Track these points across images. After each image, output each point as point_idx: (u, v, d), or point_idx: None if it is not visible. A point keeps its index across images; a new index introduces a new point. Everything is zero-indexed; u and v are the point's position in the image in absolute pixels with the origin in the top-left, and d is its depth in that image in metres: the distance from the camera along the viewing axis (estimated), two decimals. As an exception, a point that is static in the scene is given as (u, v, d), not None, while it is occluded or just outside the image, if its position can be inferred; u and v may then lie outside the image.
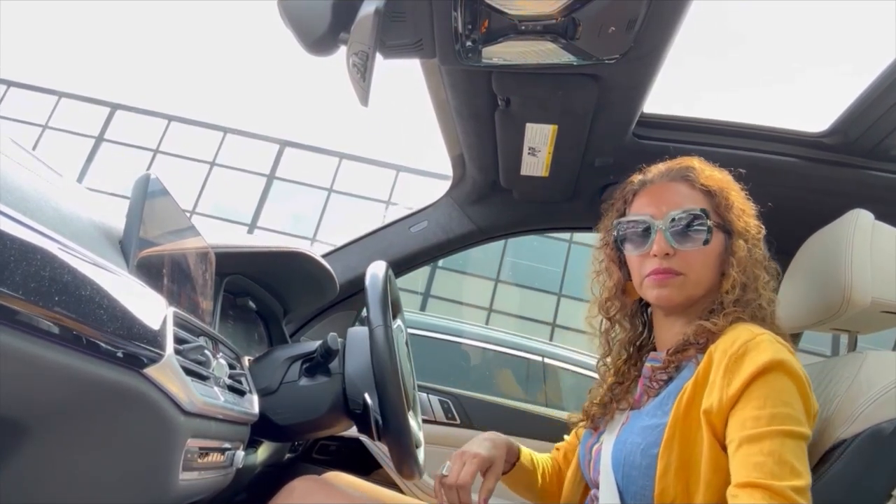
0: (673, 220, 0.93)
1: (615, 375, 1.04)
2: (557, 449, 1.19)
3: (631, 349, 1.05)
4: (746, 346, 0.82)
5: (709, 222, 0.93)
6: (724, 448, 0.80)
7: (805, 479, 0.73)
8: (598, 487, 0.93)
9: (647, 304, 1.05)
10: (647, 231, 0.95)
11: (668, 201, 0.96)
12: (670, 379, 0.91)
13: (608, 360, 1.06)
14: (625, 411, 0.97)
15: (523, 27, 0.92)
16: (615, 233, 1.00)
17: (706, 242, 0.93)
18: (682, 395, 0.84)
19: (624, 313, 1.05)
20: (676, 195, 0.96)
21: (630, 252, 0.98)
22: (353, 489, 1.09)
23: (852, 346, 1.15)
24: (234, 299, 1.32)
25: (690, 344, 0.90)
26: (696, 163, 1.01)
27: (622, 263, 1.03)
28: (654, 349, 1.02)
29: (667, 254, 0.92)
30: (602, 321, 1.06)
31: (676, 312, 0.97)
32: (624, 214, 1.01)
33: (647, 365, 0.99)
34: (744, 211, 0.97)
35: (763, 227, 0.98)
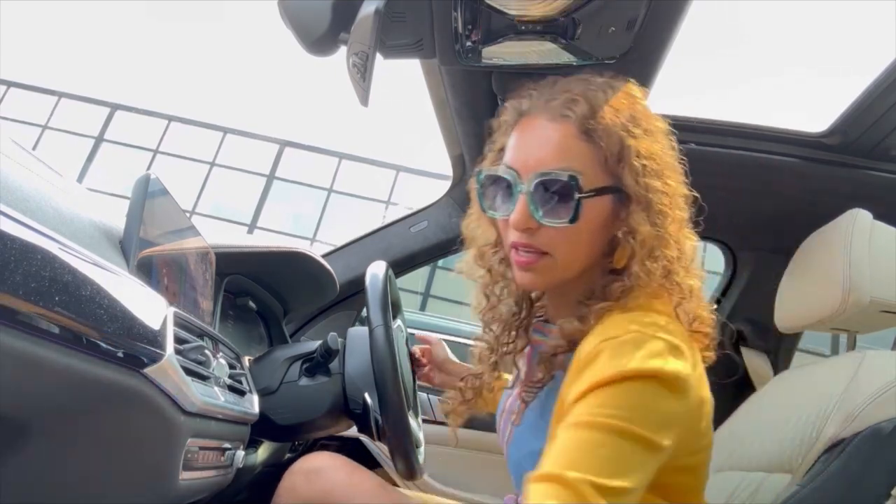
0: (538, 182, 0.71)
1: (501, 334, 0.87)
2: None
3: (520, 317, 0.87)
4: (599, 349, 0.65)
5: (578, 194, 0.70)
6: None
7: (621, 482, 0.56)
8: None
9: None
10: (509, 192, 0.74)
11: (540, 151, 0.73)
12: (543, 386, 0.77)
13: (493, 313, 0.88)
14: (511, 414, 0.82)
15: (523, 27, 0.92)
16: (477, 184, 0.79)
17: (573, 219, 0.71)
18: (554, 410, 0.70)
19: (507, 264, 0.82)
20: (552, 142, 0.72)
21: (493, 214, 0.78)
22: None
23: (851, 346, 1.15)
24: (234, 299, 1.32)
25: (557, 350, 0.75)
26: (588, 89, 0.75)
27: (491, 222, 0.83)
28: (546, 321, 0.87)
29: (529, 227, 0.72)
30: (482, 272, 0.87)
31: (556, 290, 0.81)
32: (501, 153, 0.80)
33: (536, 337, 0.85)
34: (646, 167, 0.73)
35: (686, 191, 0.82)
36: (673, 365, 0.64)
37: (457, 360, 1.21)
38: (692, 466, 0.74)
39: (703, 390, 0.70)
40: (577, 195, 0.70)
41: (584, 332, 0.71)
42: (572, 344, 0.73)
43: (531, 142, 0.74)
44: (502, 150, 0.79)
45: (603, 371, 0.63)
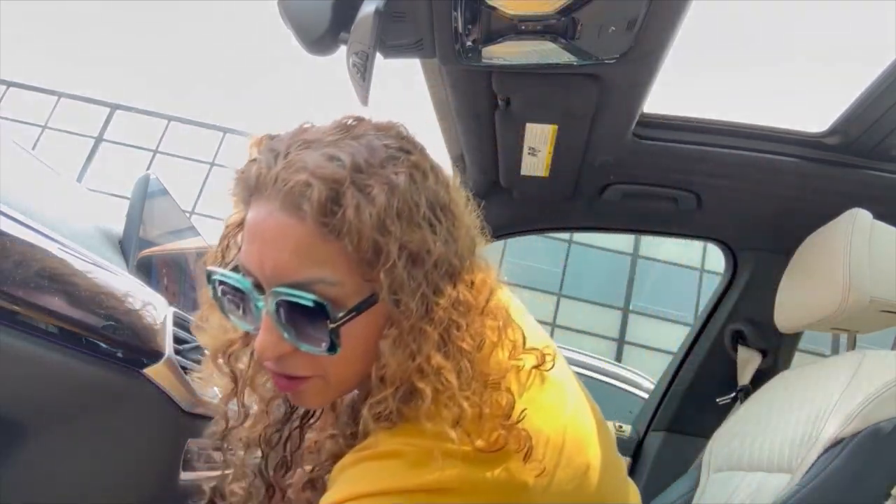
0: (280, 298, 0.54)
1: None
2: None
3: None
4: (344, 463, 0.55)
5: (331, 324, 0.54)
6: None
7: None
8: None
9: None
10: (250, 305, 0.57)
11: (275, 258, 0.55)
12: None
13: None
14: None
15: (523, 27, 0.92)
16: (209, 285, 0.60)
17: (331, 350, 0.55)
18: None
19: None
20: (288, 247, 0.54)
21: (239, 324, 0.60)
22: None
23: (851, 346, 1.15)
24: (234, 299, 1.32)
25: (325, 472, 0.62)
26: (332, 165, 0.54)
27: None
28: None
29: (281, 353, 0.56)
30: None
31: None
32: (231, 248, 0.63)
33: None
34: (422, 267, 0.55)
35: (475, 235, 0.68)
36: (403, 482, 0.51)
37: None
38: None
39: (562, 474, 0.57)
40: (328, 324, 0.54)
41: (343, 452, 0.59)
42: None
43: (265, 239, 0.55)
44: (240, 229, 0.61)
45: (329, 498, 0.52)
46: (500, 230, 1.79)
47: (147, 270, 0.78)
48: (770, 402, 1.14)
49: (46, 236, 0.54)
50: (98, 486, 0.62)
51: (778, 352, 1.56)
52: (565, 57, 0.99)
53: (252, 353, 0.62)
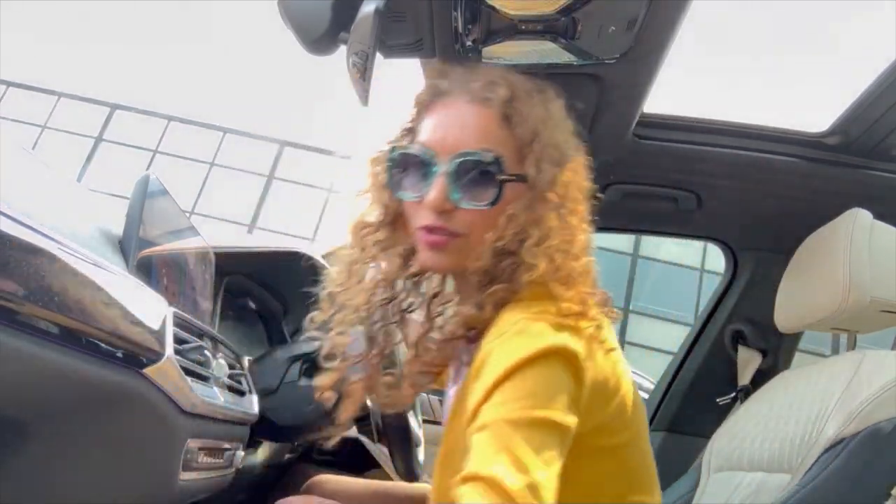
0: (460, 162, 0.70)
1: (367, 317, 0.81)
2: None
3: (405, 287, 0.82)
4: (487, 350, 0.65)
5: (501, 175, 0.70)
6: None
7: (529, 475, 0.54)
8: None
9: None
10: (426, 171, 0.71)
11: (460, 132, 0.72)
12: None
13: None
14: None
15: (523, 27, 0.92)
16: (388, 162, 0.75)
17: (494, 201, 0.70)
18: (453, 402, 0.71)
19: (390, 249, 0.79)
20: (473, 125, 0.72)
21: (402, 194, 0.75)
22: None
23: (852, 346, 1.15)
24: (234, 299, 1.32)
25: (454, 336, 0.76)
26: (508, 78, 0.76)
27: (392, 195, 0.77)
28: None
29: (445, 209, 0.70)
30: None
31: (458, 275, 0.78)
32: (412, 133, 0.78)
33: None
34: (548, 156, 0.73)
35: (588, 183, 0.78)
36: (557, 340, 0.62)
37: None
38: (611, 449, 0.70)
39: (606, 367, 0.68)
40: (499, 177, 0.70)
41: (482, 321, 0.71)
42: (471, 332, 0.74)
43: (451, 123, 0.73)
44: (412, 130, 0.78)
45: (493, 373, 0.61)
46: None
47: (147, 270, 0.78)
48: (770, 402, 1.14)
49: (46, 236, 0.54)
50: (98, 486, 0.62)
51: (778, 352, 1.56)
52: (565, 57, 0.99)
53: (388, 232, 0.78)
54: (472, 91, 0.74)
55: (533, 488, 0.53)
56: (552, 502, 0.54)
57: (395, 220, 0.78)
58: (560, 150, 0.74)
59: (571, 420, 0.60)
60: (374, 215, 0.80)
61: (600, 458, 0.70)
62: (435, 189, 0.70)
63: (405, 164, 0.74)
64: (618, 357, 0.71)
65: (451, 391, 0.80)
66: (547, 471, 0.55)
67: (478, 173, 0.70)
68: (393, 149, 0.76)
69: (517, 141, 0.72)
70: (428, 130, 0.74)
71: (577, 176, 0.76)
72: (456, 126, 0.72)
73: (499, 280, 0.72)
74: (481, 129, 0.72)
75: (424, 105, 0.78)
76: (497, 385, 0.60)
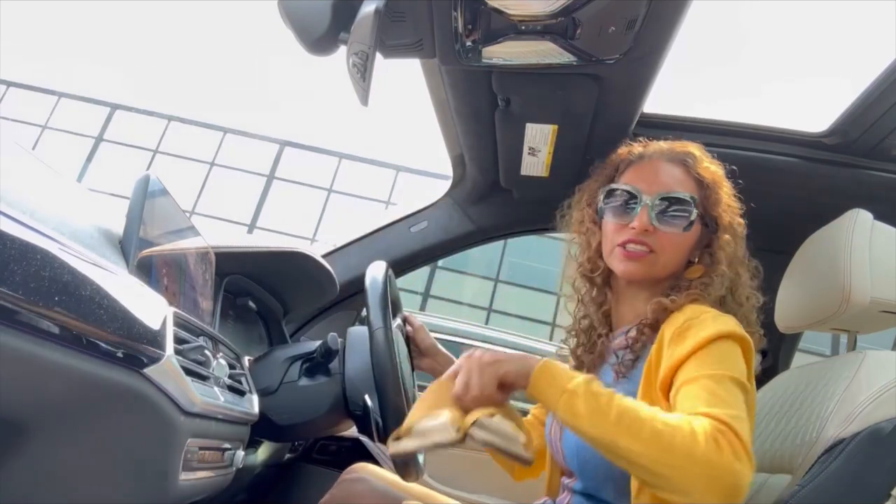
0: (661, 199, 0.94)
1: (584, 345, 1.05)
2: (533, 415, 1.20)
3: (597, 317, 1.04)
4: (689, 322, 0.85)
5: (695, 211, 0.95)
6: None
7: (737, 411, 0.73)
8: (565, 475, 0.98)
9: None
10: (633, 203, 0.96)
11: (660, 181, 0.97)
12: (636, 359, 0.93)
13: (580, 322, 1.07)
14: None
15: (523, 27, 0.92)
16: (601, 196, 1.01)
17: (686, 229, 0.95)
18: (647, 369, 0.87)
19: (598, 276, 1.03)
20: (670, 177, 0.97)
21: (610, 219, 0.99)
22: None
23: (852, 346, 1.15)
24: (234, 299, 1.32)
25: (647, 324, 0.93)
26: (697, 150, 1.02)
27: (597, 230, 1.03)
28: (611, 329, 1.03)
29: (646, 230, 0.94)
30: (580, 284, 1.07)
31: (637, 287, 0.98)
32: (613, 181, 1.02)
33: (615, 341, 1.00)
34: (731, 207, 1.00)
35: (745, 226, 1.01)
36: (741, 331, 0.84)
37: (441, 348, 1.21)
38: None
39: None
40: (694, 211, 0.95)
41: (670, 311, 0.91)
42: (656, 322, 0.91)
43: (655, 173, 0.98)
44: (611, 180, 1.02)
45: (695, 339, 0.81)
46: (500, 230, 1.79)
47: (147, 270, 0.78)
48: (770, 402, 1.14)
49: (46, 236, 0.54)
50: (98, 486, 0.62)
51: (778, 352, 1.56)
52: (565, 57, 0.99)
53: (597, 262, 1.02)
54: (670, 155, 1.00)
55: (737, 419, 0.71)
56: (748, 435, 0.71)
57: (600, 254, 1.02)
58: (730, 203, 1.00)
59: (749, 386, 0.80)
60: (590, 250, 1.03)
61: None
62: (641, 214, 0.94)
63: (617, 198, 0.98)
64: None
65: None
66: (741, 413, 0.73)
67: (675, 206, 0.95)
68: (609, 188, 1.00)
69: (703, 193, 0.98)
70: (634, 177, 0.99)
71: (741, 227, 1.01)
72: (658, 175, 0.98)
73: (692, 288, 0.94)
74: (679, 180, 0.98)
75: (628, 163, 1.02)
76: (700, 347, 0.80)
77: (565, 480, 0.98)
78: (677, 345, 0.83)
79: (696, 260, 0.97)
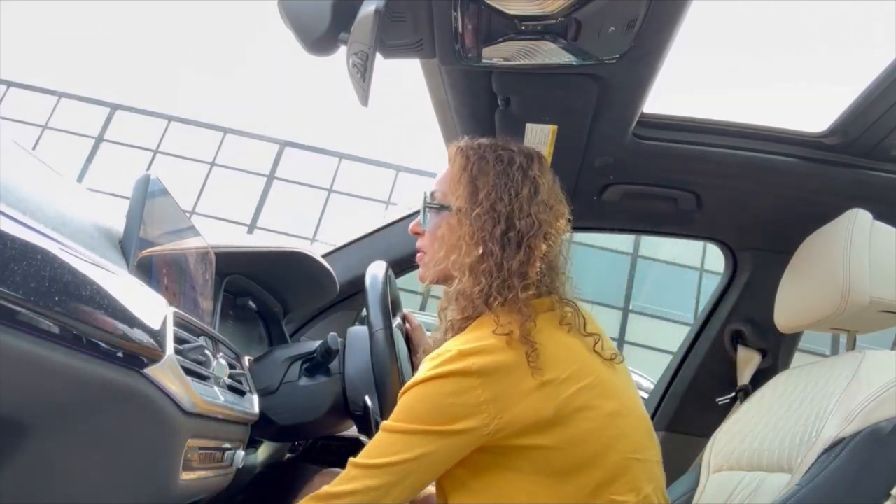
0: (423, 198, 0.99)
1: None
2: None
3: None
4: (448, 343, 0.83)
5: (431, 203, 0.97)
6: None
7: (374, 460, 0.76)
8: None
9: None
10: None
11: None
12: None
13: None
14: None
15: (523, 27, 0.92)
16: None
17: (424, 223, 0.98)
18: None
19: None
20: (438, 175, 1.01)
21: None
22: None
23: (852, 346, 1.15)
24: (234, 299, 1.32)
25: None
26: (465, 144, 1.00)
27: None
28: None
29: (415, 232, 1.00)
30: None
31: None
32: None
33: None
34: (458, 181, 0.94)
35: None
36: (462, 363, 0.77)
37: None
38: (532, 447, 0.78)
39: (525, 375, 0.78)
40: (430, 204, 0.99)
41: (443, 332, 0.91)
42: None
43: None
44: None
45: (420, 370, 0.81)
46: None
47: (147, 270, 0.78)
48: (770, 402, 1.14)
49: (46, 236, 0.54)
50: (98, 486, 0.62)
51: (778, 352, 1.56)
52: (565, 57, 0.99)
53: None
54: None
55: (361, 469, 0.77)
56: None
57: None
58: (470, 180, 0.93)
59: (454, 426, 0.76)
60: None
61: (520, 457, 0.82)
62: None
63: None
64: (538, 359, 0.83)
65: None
66: (377, 461, 0.76)
67: (426, 205, 0.98)
68: None
69: (451, 180, 0.96)
70: None
71: (480, 198, 0.92)
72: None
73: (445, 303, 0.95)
74: (443, 177, 1.00)
75: None
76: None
77: None
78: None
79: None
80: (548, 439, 0.77)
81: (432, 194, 0.97)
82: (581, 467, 0.78)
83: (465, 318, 0.86)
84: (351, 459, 0.79)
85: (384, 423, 0.79)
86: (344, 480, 0.76)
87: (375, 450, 0.77)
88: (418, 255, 1.00)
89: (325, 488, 0.76)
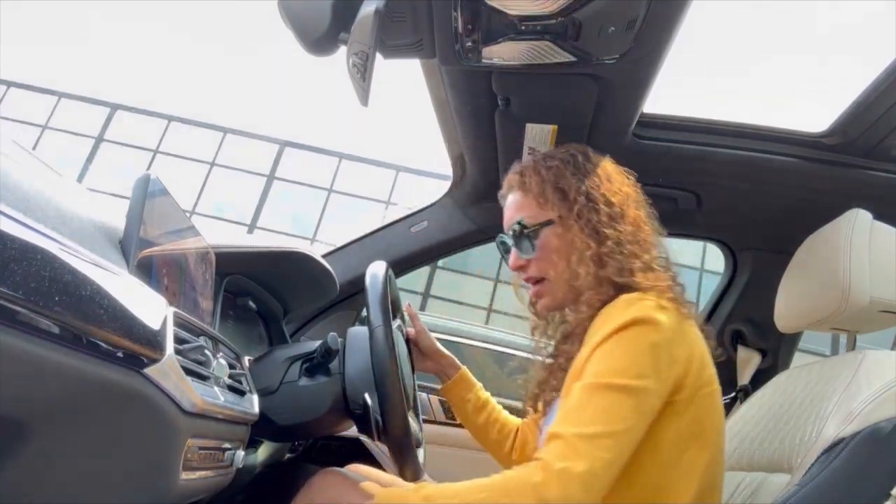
0: (512, 233, 1.00)
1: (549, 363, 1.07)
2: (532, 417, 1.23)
3: (558, 335, 1.07)
4: (597, 318, 0.87)
5: (527, 229, 0.98)
6: None
7: (596, 427, 0.74)
8: None
9: None
10: (506, 250, 1.03)
11: (507, 218, 1.02)
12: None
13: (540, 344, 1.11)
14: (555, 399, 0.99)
15: (523, 27, 0.92)
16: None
17: (534, 248, 0.97)
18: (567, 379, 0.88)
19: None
20: (512, 208, 1.02)
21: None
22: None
23: (851, 346, 1.15)
24: (234, 299, 1.32)
25: (573, 335, 0.94)
26: (519, 165, 1.05)
27: None
28: None
29: (521, 266, 0.99)
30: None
31: (571, 306, 0.99)
32: None
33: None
34: (565, 195, 0.96)
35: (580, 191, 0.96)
36: (653, 313, 0.81)
37: (444, 350, 1.22)
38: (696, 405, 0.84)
39: (693, 345, 0.85)
40: (528, 228, 0.98)
41: (584, 319, 0.90)
42: (583, 332, 0.90)
43: (506, 213, 1.04)
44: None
45: (594, 336, 0.82)
46: (500, 230, 1.79)
47: (147, 270, 0.78)
48: (770, 402, 1.14)
49: (46, 236, 0.54)
50: (98, 486, 0.62)
51: (777, 352, 1.56)
52: (565, 57, 0.99)
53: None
54: (507, 188, 1.05)
55: (587, 441, 0.73)
56: (592, 451, 0.73)
57: None
58: (553, 190, 0.97)
59: (649, 384, 0.78)
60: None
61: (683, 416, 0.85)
62: (511, 256, 1.01)
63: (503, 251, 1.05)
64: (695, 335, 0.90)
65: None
66: (606, 428, 0.74)
67: (520, 233, 0.99)
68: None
69: (536, 201, 0.99)
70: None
71: (566, 204, 0.97)
72: (507, 212, 1.03)
73: (586, 292, 0.93)
74: (519, 205, 1.01)
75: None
76: (598, 345, 0.81)
77: None
78: (584, 346, 0.85)
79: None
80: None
81: (521, 223, 0.98)
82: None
83: (603, 301, 0.89)
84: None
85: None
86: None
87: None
88: (536, 287, 0.99)
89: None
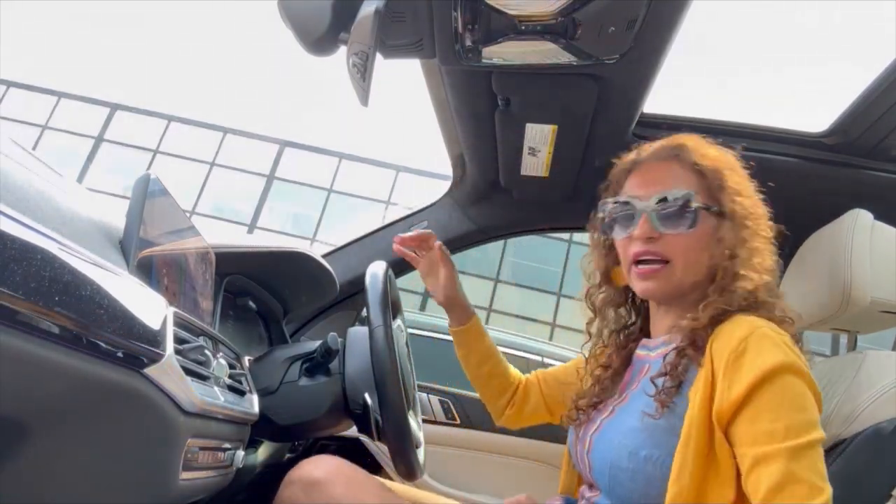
0: (658, 201, 0.88)
1: (601, 368, 0.99)
2: (537, 375, 1.22)
3: (619, 338, 1.01)
4: (745, 342, 0.76)
5: (695, 204, 0.87)
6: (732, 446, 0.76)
7: (824, 495, 0.70)
8: (589, 486, 0.92)
9: None
10: (632, 213, 0.91)
11: (655, 182, 0.91)
12: (679, 385, 0.83)
13: (595, 350, 1.02)
14: (609, 404, 0.93)
15: (523, 27, 0.92)
16: (601, 215, 0.96)
17: (691, 226, 0.87)
18: (694, 396, 0.79)
19: (609, 302, 1.01)
20: (665, 176, 0.91)
21: (616, 235, 0.94)
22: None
23: (852, 346, 1.15)
24: (234, 299, 1.32)
25: (683, 349, 0.84)
26: (690, 141, 0.95)
27: (609, 248, 0.99)
28: (648, 335, 0.98)
29: (650, 237, 0.88)
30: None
31: (668, 303, 0.92)
32: (616, 196, 0.97)
33: (640, 353, 0.95)
34: (738, 192, 0.89)
35: (769, 210, 0.93)
36: (796, 360, 0.75)
37: (463, 295, 1.23)
38: None
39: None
40: (694, 205, 0.87)
41: (702, 328, 0.82)
42: (693, 342, 0.83)
43: (650, 176, 0.93)
44: (615, 195, 0.96)
45: (755, 366, 0.74)
46: (500, 230, 1.79)
47: (147, 270, 0.78)
48: (770, 402, 1.13)
49: (46, 236, 0.54)
50: (98, 486, 0.62)
51: (778, 352, 1.55)
52: (565, 57, 0.99)
53: (605, 287, 1.01)
54: (662, 153, 0.94)
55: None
56: None
57: (609, 277, 1.01)
58: (738, 187, 0.89)
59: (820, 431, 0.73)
60: (592, 276, 1.02)
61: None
62: (641, 223, 0.88)
63: (616, 213, 0.94)
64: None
65: (630, 392, 0.92)
66: (826, 493, 0.70)
67: (675, 205, 0.87)
68: (604, 203, 0.96)
69: (705, 183, 0.89)
70: (631, 186, 0.94)
71: (759, 207, 0.91)
72: (653, 177, 0.92)
73: (712, 296, 0.84)
74: (676, 176, 0.90)
75: (626, 173, 0.97)
76: (760, 383, 0.73)
77: (587, 493, 0.92)
78: (734, 373, 0.75)
79: (717, 257, 0.88)
80: None
81: (688, 197, 0.88)
82: None
83: (723, 312, 0.83)
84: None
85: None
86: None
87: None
88: (655, 265, 0.88)
89: None
